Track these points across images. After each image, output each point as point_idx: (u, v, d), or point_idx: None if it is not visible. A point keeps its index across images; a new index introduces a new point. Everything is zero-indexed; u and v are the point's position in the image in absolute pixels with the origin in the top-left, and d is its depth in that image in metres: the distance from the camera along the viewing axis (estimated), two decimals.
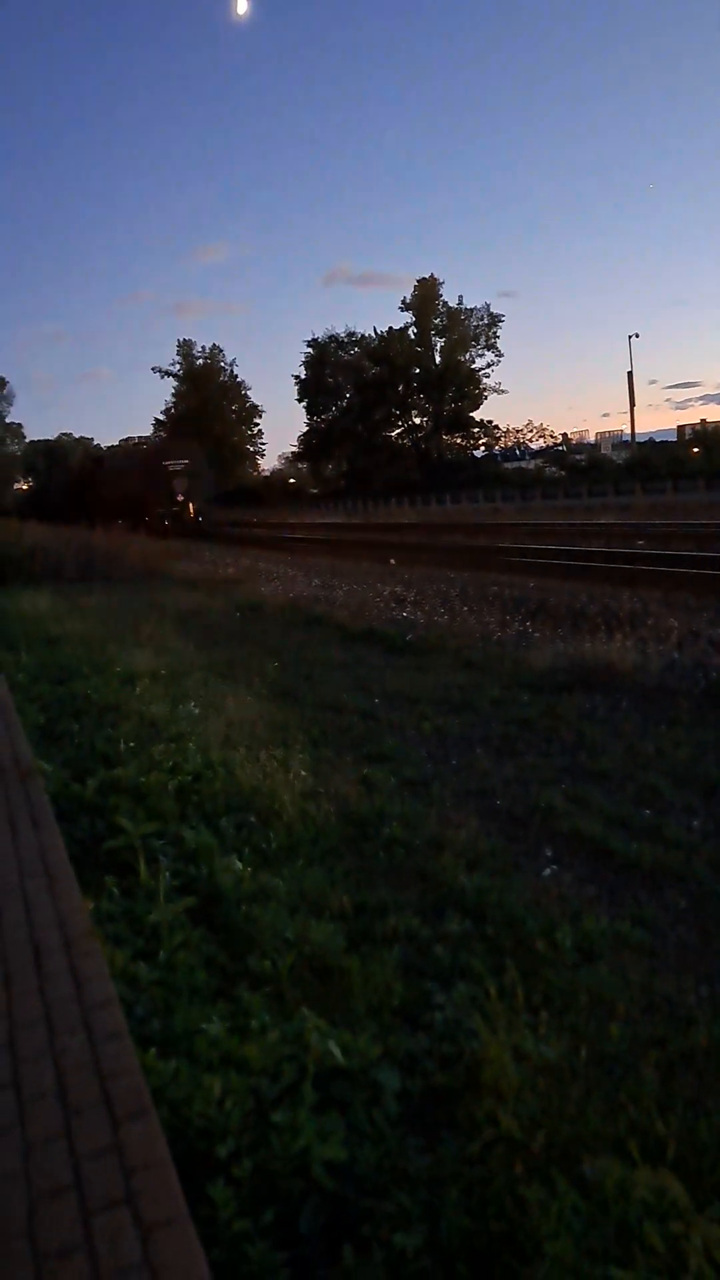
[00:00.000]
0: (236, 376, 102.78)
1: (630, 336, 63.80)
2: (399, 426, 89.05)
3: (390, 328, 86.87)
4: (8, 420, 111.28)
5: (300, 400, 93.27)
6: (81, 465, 69.13)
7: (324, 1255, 2.21)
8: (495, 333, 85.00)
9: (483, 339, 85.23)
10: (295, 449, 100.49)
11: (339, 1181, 2.34)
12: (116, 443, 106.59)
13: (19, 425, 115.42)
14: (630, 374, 64.45)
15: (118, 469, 55.62)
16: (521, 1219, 2.19)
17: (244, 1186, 2.31)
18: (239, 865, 4.25)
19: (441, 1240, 2.20)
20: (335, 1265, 2.16)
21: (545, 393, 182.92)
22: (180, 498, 47.10)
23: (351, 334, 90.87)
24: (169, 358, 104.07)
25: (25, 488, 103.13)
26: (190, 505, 47.38)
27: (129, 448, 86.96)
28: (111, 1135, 2.32)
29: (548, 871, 4.47)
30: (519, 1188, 2.27)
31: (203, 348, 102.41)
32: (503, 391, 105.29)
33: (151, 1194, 2.12)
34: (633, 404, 62.89)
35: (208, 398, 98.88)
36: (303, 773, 5.66)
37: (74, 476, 64.89)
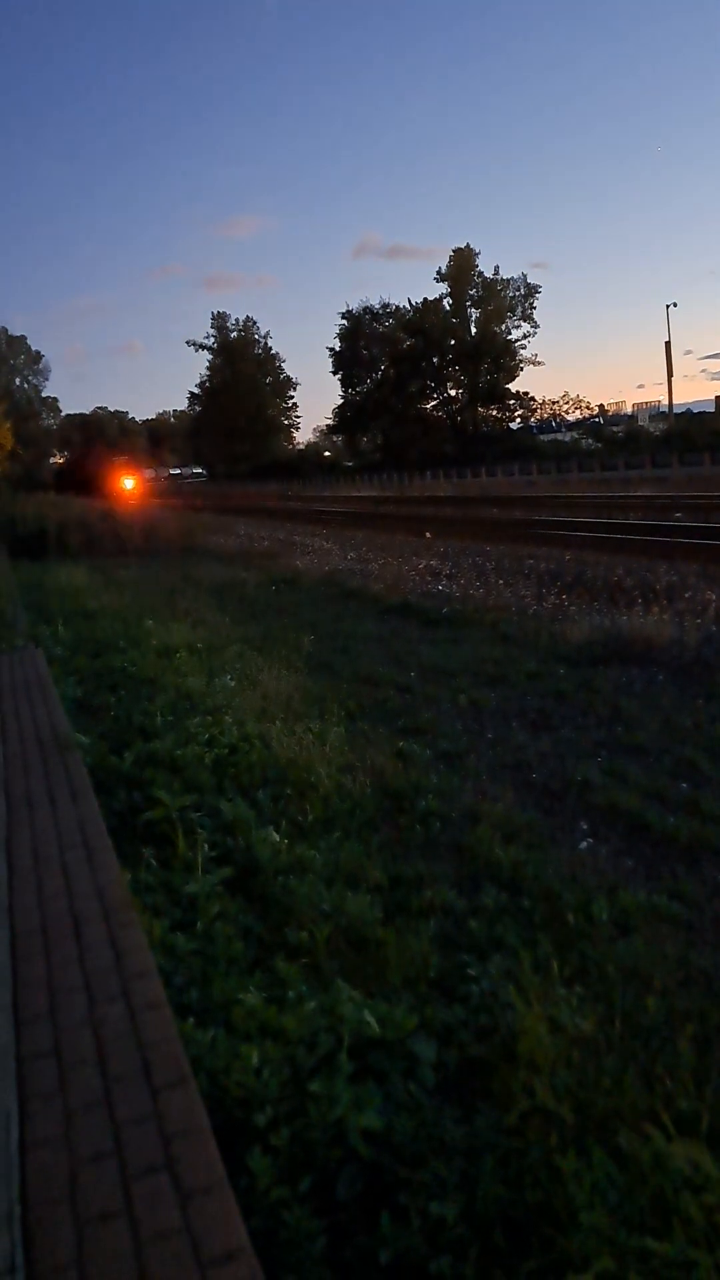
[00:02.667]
0: (271, 349, 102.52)
1: (668, 306, 62.36)
2: (434, 399, 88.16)
3: (425, 299, 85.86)
4: (44, 394, 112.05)
5: (335, 373, 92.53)
6: (79, 453, 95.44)
7: (361, 1222, 2.23)
8: (531, 304, 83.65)
9: (519, 310, 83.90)
10: (330, 422, 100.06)
11: (376, 1150, 2.35)
12: (154, 416, 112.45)
13: (55, 399, 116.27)
14: (668, 344, 63.08)
15: (93, 456, 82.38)
16: (557, 1189, 2.20)
17: (282, 1155, 2.33)
18: (276, 837, 4.27)
19: (478, 1209, 2.21)
20: (372, 1232, 2.18)
21: (580, 364, 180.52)
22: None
23: (386, 305, 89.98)
24: (202, 331, 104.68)
25: (60, 461, 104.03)
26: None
27: (100, 442, 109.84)
28: (151, 1103, 2.35)
29: (584, 845, 4.45)
30: (555, 1158, 2.28)
31: (236, 320, 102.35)
32: (539, 363, 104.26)
33: (190, 1161, 2.14)
34: (670, 374, 61.39)
35: (242, 371, 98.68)
36: (339, 745, 5.67)
37: (77, 461, 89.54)
